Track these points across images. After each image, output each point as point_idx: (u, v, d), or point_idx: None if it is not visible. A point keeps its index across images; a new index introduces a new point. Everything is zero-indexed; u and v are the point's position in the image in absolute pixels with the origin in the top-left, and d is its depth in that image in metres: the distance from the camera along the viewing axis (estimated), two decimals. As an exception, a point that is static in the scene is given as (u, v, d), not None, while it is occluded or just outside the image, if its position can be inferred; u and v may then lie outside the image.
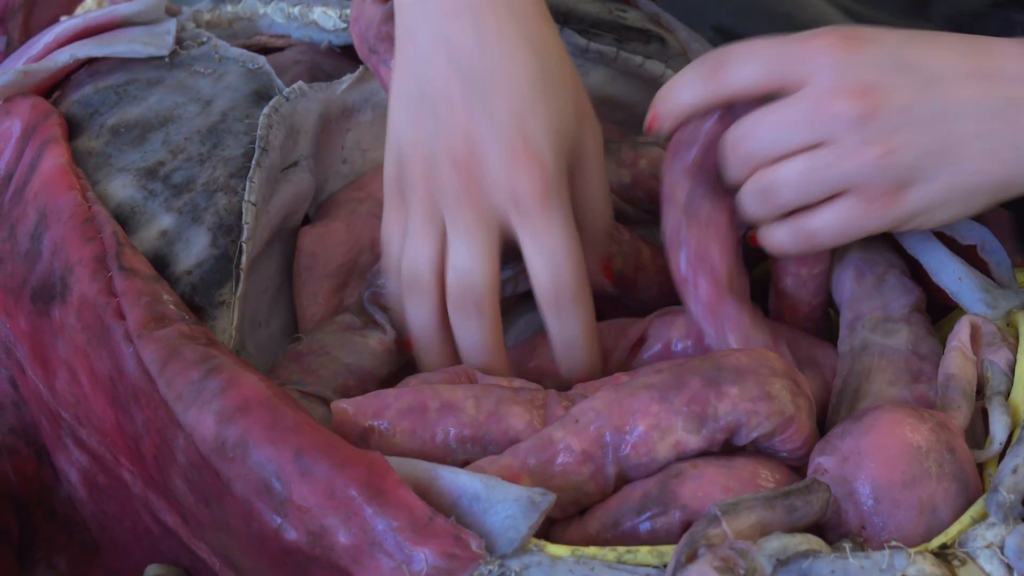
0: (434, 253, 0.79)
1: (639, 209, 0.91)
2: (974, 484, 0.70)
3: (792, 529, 0.67)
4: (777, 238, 0.78)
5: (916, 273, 0.83)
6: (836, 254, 0.84)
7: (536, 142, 0.76)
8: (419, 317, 0.81)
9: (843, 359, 0.81)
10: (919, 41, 0.74)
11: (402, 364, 0.86)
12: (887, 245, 0.83)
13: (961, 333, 0.77)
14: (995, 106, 0.72)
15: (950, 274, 0.80)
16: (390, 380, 0.84)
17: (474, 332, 0.79)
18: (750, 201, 0.77)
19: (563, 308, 0.78)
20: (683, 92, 0.77)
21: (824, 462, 0.70)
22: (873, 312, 0.81)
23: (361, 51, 0.90)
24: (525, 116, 0.76)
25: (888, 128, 0.72)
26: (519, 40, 0.77)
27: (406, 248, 0.80)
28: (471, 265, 0.77)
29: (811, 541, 0.65)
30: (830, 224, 0.75)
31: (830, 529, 0.69)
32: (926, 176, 0.73)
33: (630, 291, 0.88)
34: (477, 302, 0.78)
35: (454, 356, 0.81)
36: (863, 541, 0.68)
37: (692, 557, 0.65)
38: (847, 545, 0.66)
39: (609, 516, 0.72)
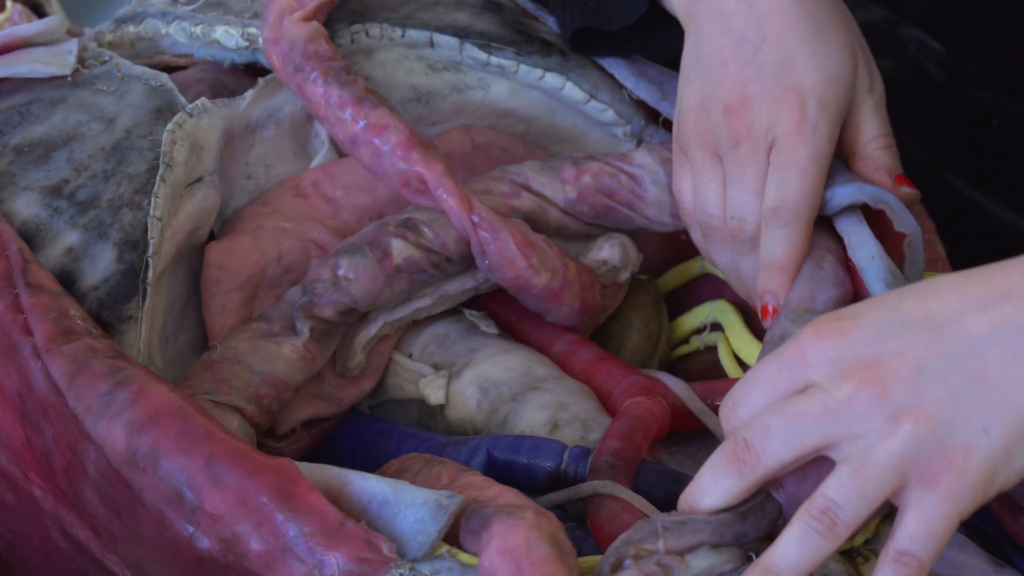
0: (720, 197, 0.84)
1: (583, 223, 0.93)
2: None
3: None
4: None
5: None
6: None
7: (800, 85, 0.81)
8: (722, 259, 0.86)
9: (765, 346, 0.81)
10: (911, 296, 0.67)
11: (316, 372, 0.87)
12: (828, 230, 0.84)
13: None
14: (1020, 324, 0.64)
15: (866, 251, 0.81)
16: (304, 389, 0.86)
17: (746, 264, 0.84)
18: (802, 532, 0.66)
19: (774, 226, 0.81)
20: (712, 497, 0.68)
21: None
22: (799, 302, 0.80)
23: (285, 71, 0.89)
24: (792, 64, 0.82)
25: (909, 393, 0.65)
26: (786, 1, 0.83)
27: (696, 200, 0.85)
28: (743, 201, 0.83)
29: (736, 559, 0.66)
30: (913, 531, 0.64)
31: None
32: (973, 424, 0.64)
33: (554, 305, 0.90)
34: (751, 239, 0.83)
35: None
36: None
37: (617, 567, 0.66)
38: (752, 555, 0.67)
39: None
